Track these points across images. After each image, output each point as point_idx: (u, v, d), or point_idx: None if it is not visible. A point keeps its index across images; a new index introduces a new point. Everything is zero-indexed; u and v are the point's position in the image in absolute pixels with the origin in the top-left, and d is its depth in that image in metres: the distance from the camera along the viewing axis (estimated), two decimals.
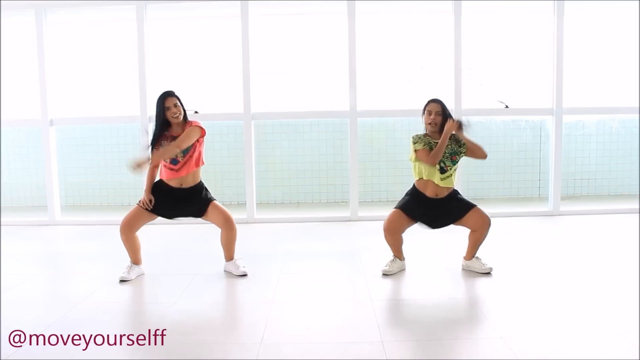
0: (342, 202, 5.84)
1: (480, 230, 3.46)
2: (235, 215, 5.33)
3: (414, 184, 3.52)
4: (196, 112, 5.27)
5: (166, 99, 3.36)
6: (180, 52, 5.57)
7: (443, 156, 3.37)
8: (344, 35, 5.22)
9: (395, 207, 3.49)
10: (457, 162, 3.43)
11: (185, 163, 3.40)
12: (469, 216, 3.43)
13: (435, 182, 3.39)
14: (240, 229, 4.97)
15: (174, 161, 3.40)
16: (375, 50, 5.53)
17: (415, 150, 3.39)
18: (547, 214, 5.46)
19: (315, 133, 5.95)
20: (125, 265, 3.55)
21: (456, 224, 3.51)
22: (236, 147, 5.61)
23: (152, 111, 5.05)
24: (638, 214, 5.17)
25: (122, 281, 3.42)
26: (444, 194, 3.43)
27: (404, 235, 3.54)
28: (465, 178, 5.09)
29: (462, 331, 2.67)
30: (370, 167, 5.85)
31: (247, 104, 5.27)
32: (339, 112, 5.39)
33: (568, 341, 2.45)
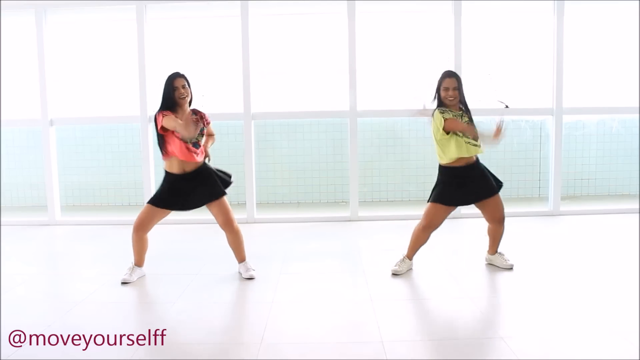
0: (342, 202, 5.84)
1: (495, 226, 3.51)
2: (235, 215, 5.37)
3: (440, 168, 3.44)
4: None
5: (175, 79, 3.31)
6: (180, 52, 5.57)
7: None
8: (344, 35, 5.22)
9: (432, 201, 3.44)
10: None
11: (201, 147, 3.39)
12: (490, 204, 3.44)
13: (470, 155, 3.35)
14: (240, 229, 5.00)
15: (196, 145, 3.34)
16: (375, 50, 5.53)
17: (446, 119, 3.28)
18: (547, 214, 5.46)
19: (315, 133, 5.95)
20: (126, 266, 3.54)
21: (477, 206, 3.49)
22: (236, 147, 5.61)
23: (152, 111, 5.07)
24: (638, 214, 5.17)
25: (124, 283, 3.41)
26: (474, 159, 3.41)
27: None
28: None
29: (462, 331, 2.67)
30: (370, 167, 5.85)
31: (247, 104, 5.26)
32: (339, 112, 5.39)
33: (568, 341, 2.46)
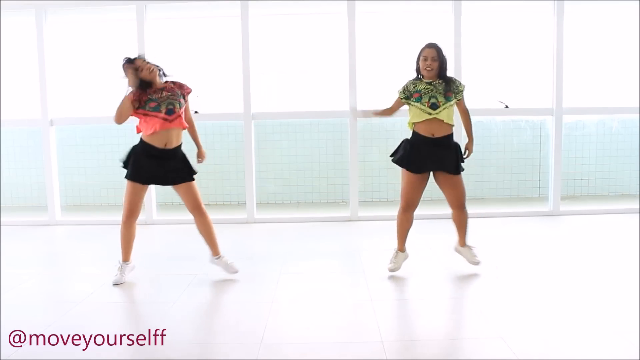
0: (342, 202, 5.84)
1: (456, 211, 3.47)
2: (235, 215, 5.41)
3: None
4: (196, 112, 5.26)
5: (135, 61, 3.32)
6: (180, 52, 5.56)
7: (436, 92, 3.34)
8: (344, 35, 5.22)
9: (400, 165, 3.44)
10: (452, 99, 3.37)
11: (179, 116, 3.37)
12: (449, 183, 3.40)
13: (428, 119, 3.34)
14: (240, 229, 5.01)
15: (169, 111, 3.32)
16: (375, 50, 5.52)
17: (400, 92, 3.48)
18: (547, 214, 5.46)
19: (315, 133, 5.95)
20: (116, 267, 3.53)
21: (438, 183, 3.46)
22: (236, 147, 5.61)
23: None
24: (638, 214, 5.17)
25: (116, 284, 3.38)
26: (441, 132, 3.36)
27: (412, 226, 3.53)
28: (465, 178, 5.08)
29: (462, 331, 2.68)
30: (370, 167, 5.85)
31: (247, 104, 5.26)
32: (339, 112, 5.38)
33: (568, 341, 2.46)
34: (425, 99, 3.36)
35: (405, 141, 3.50)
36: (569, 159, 5.93)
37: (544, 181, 5.81)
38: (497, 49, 5.59)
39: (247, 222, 5.36)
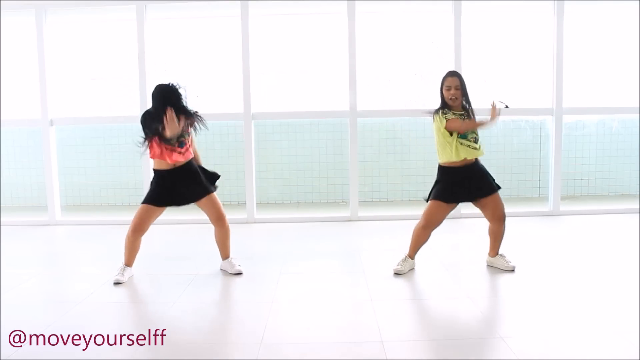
0: (342, 202, 5.84)
1: (496, 225, 3.49)
2: (235, 215, 5.40)
3: (439, 167, 3.45)
4: (196, 112, 5.25)
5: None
6: (180, 52, 5.57)
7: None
8: (344, 35, 5.22)
9: (432, 199, 3.44)
10: None
11: (188, 145, 3.43)
12: (490, 202, 3.43)
13: (472, 157, 3.37)
14: (240, 229, 5.01)
15: (182, 144, 3.37)
16: (376, 50, 5.53)
17: (447, 120, 3.31)
18: (547, 214, 5.46)
19: (315, 133, 5.95)
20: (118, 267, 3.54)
21: (476, 205, 3.49)
22: (236, 147, 5.61)
23: None
24: (638, 214, 5.17)
25: (116, 283, 3.40)
26: (472, 158, 3.40)
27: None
28: None
29: (462, 331, 2.67)
30: (370, 167, 5.85)
31: (247, 104, 5.26)
32: (339, 112, 5.39)
33: (568, 341, 2.46)
34: (470, 135, 3.35)
35: (439, 178, 3.47)
36: (569, 159, 5.93)
37: (544, 181, 5.81)
38: (497, 49, 5.59)
39: (247, 222, 5.36)
